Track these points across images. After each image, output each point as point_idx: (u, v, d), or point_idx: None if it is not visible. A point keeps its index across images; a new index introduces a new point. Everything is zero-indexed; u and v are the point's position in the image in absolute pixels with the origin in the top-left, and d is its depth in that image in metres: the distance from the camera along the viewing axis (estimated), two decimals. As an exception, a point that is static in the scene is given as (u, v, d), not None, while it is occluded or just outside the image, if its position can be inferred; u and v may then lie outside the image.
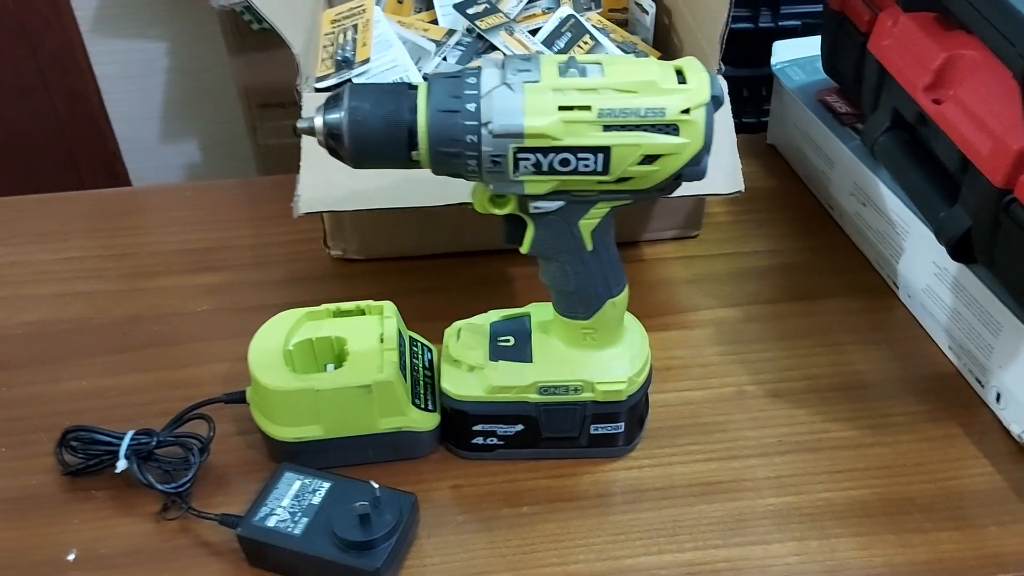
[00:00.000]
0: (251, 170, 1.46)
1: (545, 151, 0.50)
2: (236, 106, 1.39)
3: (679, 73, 0.51)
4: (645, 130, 0.50)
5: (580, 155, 0.50)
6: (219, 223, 0.85)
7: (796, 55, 0.89)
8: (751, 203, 0.84)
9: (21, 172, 1.53)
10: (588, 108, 0.49)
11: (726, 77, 0.71)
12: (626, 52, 0.82)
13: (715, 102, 0.50)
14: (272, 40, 1.26)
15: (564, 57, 0.51)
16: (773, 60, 0.89)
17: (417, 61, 0.79)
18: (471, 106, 0.49)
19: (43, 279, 0.79)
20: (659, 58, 0.83)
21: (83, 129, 1.52)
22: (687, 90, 0.50)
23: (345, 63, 0.78)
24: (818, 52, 0.85)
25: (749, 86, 1.10)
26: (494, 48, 0.80)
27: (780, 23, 1.07)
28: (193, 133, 1.56)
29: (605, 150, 0.50)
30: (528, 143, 0.49)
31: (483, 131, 0.49)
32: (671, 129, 0.50)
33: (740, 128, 0.72)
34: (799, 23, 1.06)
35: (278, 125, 1.37)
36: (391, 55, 0.78)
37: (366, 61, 0.77)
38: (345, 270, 0.80)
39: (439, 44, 0.81)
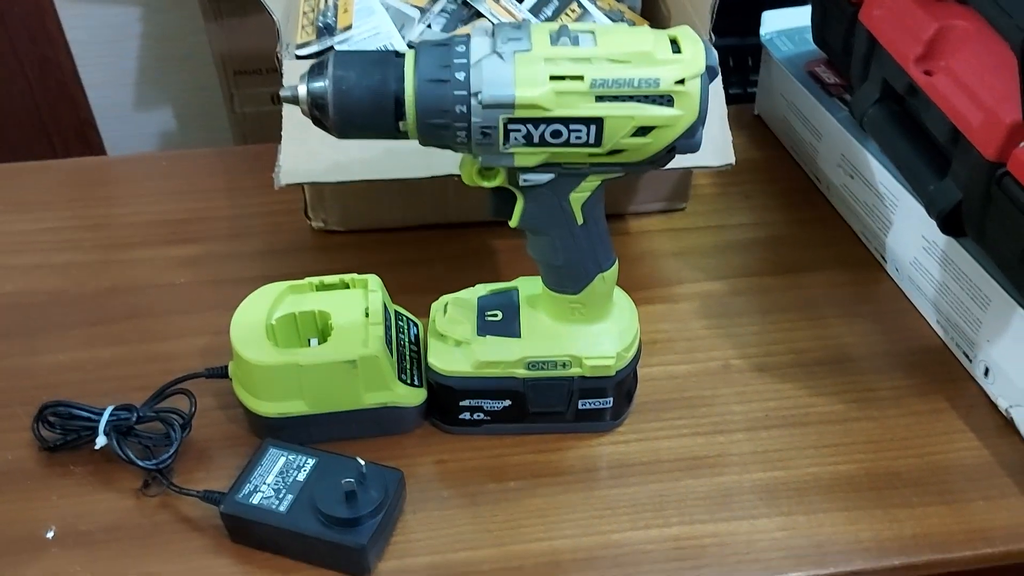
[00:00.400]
0: (227, 138, 1.43)
1: (536, 122, 0.49)
2: (212, 73, 1.36)
3: (673, 42, 0.50)
4: (639, 101, 0.48)
5: (572, 126, 0.49)
6: (196, 193, 0.83)
7: (785, 25, 0.88)
8: (738, 175, 0.83)
9: (-9, 140, 1.50)
10: (580, 78, 0.48)
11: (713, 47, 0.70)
12: (614, 20, 0.80)
13: (710, 72, 0.49)
14: (249, 5, 1.24)
15: (556, 25, 0.50)
16: (762, 30, 0.88)
17: (400, 28, 0.77)
18: (460, 75, 0.48)
19: (18, 250, 0.77)
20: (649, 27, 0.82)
21: (55, 96, 1.48)
22: (682, 60, 0.49)
23: (327, 30, 0.76)
24: (807, 23, 0.83)
25: (735, 55, 1.09)
26: (479, 15, 0.79)
27: (768, -8, 1.05)
28: (168, 100, 1.53)
29: (598, 121, 0.49)
30: (519, 114, 0.48)
31: (472, 101, 0.48)
32: (665, 100, 0.49)
33: (726, 99, 0.71)
34: (787, -8, 1.05)
35: (255, 92, 1.34)
36: (373, 22, 0.76)
37: (348, 28, 0.75)
38: (326, 242, 0.78)
39: (423, 11, 0.79)
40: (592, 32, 0.50)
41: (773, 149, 0.88)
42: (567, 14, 0.79)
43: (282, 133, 0.67)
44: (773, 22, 0.89)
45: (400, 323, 0.64)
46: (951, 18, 0.64)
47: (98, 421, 0.59)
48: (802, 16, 0.85)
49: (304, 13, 0.78)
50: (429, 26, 0.79)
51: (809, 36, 0.84)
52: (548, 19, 0.79)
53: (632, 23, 0.82)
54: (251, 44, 1.29)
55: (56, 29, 1.43)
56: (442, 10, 0.80)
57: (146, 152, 1.51)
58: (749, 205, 0.82)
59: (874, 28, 0.70)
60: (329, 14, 0.77)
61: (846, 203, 0.78)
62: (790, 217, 0.81)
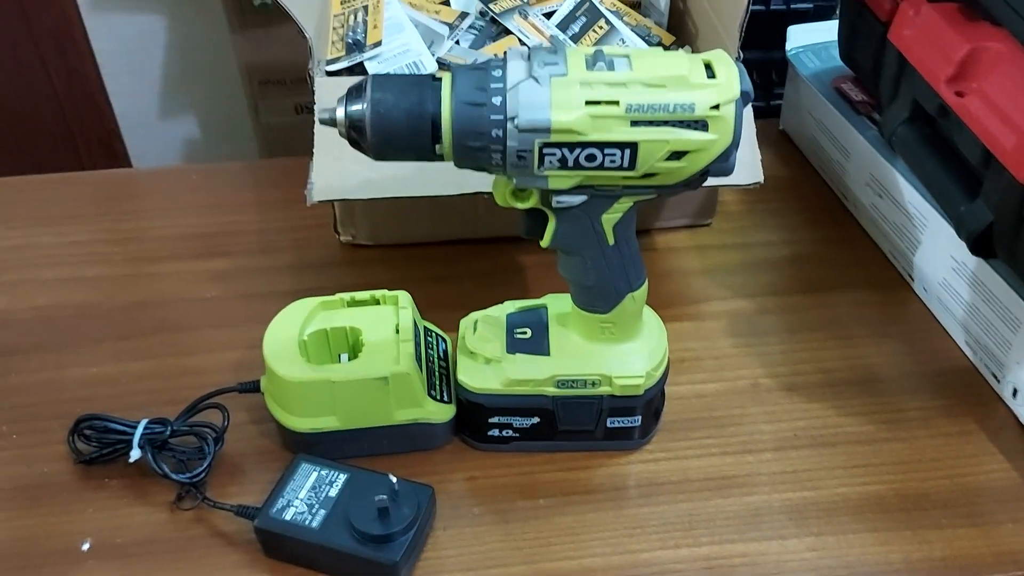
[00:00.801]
0: (252, 148, 1.44)
1: (571, 146, 0.49)
2: (237, 83, 1.37)
3: (708, 67, 0.50)
4: (673, 126, 0.49)
5: (607, 150, 0.49)
6: (225, 207, 0.84)
7: (811, 40, 0.88)
8: (764, 192, 0.83)
9: (19, 150, 1.51)
10: (616, 103, 0.48)
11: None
12: (640, 36, 0.81)
13: (744, 98, 0.49)
14: (274, 16, 1.25)
15: (591, 49, 0.50)
16: (788, 45, 0.88)
17: (430, 45, 0.77)
18: (497, 99, 0.49)
19: (48, 263, 0.78)
20: (673, 42, 0.82)
21: (81, 106, 1.49)
22: (717, 85, 0.49)
23: (356, 46, 0.76)
24: (833, 37, 0.84)
25: (759, 69, 1.09)
26: (508, 32, 0.79)
27: (792, 5, 1.05)
28: (193, 110, 1.54)
29: (632, 146, 0.49)
30: (554, 138, 0.49)
31: (509, 125, 0.49)
32: (700, 125, 0.49)
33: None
34: (811, 6, 1.05)
35: (279, 103, 1.35)
36: (403, 38, 0.77)
37: (377, 44, 0.76)
38: (355, 256, 0.79)
39: (452, 27, 0.80)
40: (627, 56, 0.50)
41: (799, 166, 0.88)
42: (595, 30, 0.80)
43: (314, 150, 0.67)
44: (799, 37, 0.89)
45: (430, 339, 0.65)
46: (983, 39, 0.64)
47: (132, 434, 0.60)
48: (828, 31, 0.85)
49: (334, 29, 0.79)
50: (457, 42, 0.80)
51: (835, 51, 0.84)
52: (575, 35, 0.80)
53: (659, 38, 0.83)
54: (276, 55, 1.30)
55: (82, 39, 1.45)
56: (470, 26, 0.80)
57: (175, 165, 1.52)
58: (775, 223, 0.82)
59: (904, 48, 0.70)
60: (359, 30, 0.77)
61: (874, 222, 0.78)
62: (817, 235, 0.81)
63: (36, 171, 0.96)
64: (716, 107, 0.49)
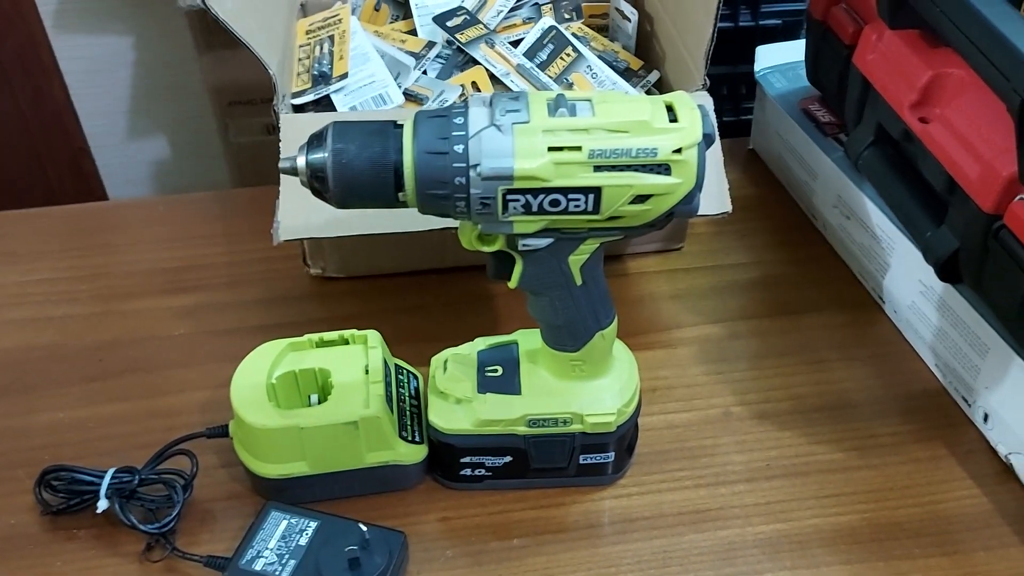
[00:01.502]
0: (221, 166, 1.43)
1: (535, 192, 0.49)
2: (206, 103, 1.36)
3: (670, 110, 0.50)
4: (636, 170, 0.49)
5: (571, 196, 0.49)
6: (193, 240, 0.83)
7: (779, 60, 0.88)
8: (734, 213, 0.82)
9: (-14, 172, 1.49)
10: (579, 149, 0.48)
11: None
12: (607, 61, 0.81)
13: (707, 140, 0.49)
14: (242, 37, 1.24)
15: (553, 94, 0.50)
16: (756, 66, 0.88)
17: (396, 75, 0.77)
18: (459, 147, 0.48)
19: (14, 303, 0.77)
20: (640, 67, 0.82)
21: (49, 126, 1.47)
22: (679, 129, 0.49)
23: (322, 78, 0.76)
24: (801, 58, 0.84)
25: (728, 84, 1.09)
26: (475, 62, 0.79)
27: (760, 22, 1.06)
28: (162, 129, 1.53)
29: (596, 191, 0.49)
30: (518, 184, 0.48)
31: (471, 173, 0.48)
32: (663, 169, 0.49)
33: (720, 129, 0.70)
34: (780, 22, 1.05)
35: (249, 122, 1.34)
36: (369, 69, 0.77)
37: (344, 76, 0.76)
38: (324, 289, 0.78)
39: (418, 57, 0.79)
40: (590, 101, 0.50)
41: (768, 186, 0.88)
42: (562, 58, 0.79)
43: (280, 188, 0.66)
44: (767, 57, 0.89)
45: (400, 377, 0.64)
46: (946, 65, 0.64)
47: (99, 484, 0.59)
48: (796, 51, 0.85)
49: (299, 60, 0.78)
50: (424, 72, 0.79)
51: (803, 72, 0.84)
52: (543, 63, 0.79)
53: (626, 63, 0.82)
54: (244, 75, 1.29)
55: (49, 59, 1.43)
56: (437, 56, 0.80)
57: (141, 197, 1.51)
58: (745, 244, 0.82)
59: (868, 72, 0.70)
60: (324, 62, 0.77)
61: (843, 243, 0.79)
62: (787, 256, 0.81)
63: (4, 193, 0.94)
64: (679, 151, 0.49)
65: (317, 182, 0.50)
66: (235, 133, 1.34)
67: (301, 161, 0.50)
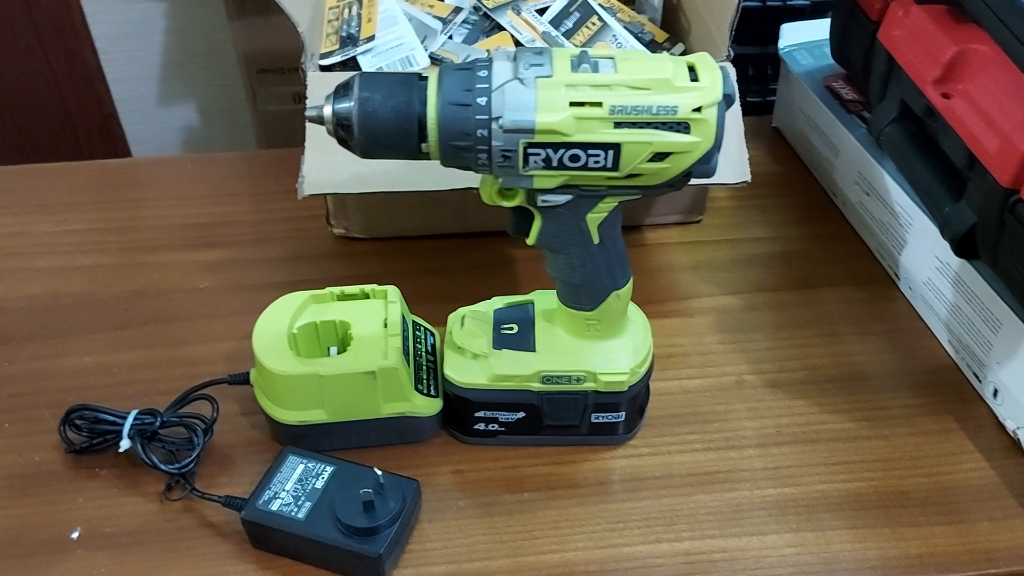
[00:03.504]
0: (249, 135, 1.45)
1: (556, 147, 0.50)
2: (235, 70, 1.37)
3: (691, 70, 0.50)
4: (656, 128, 0.49)
5: (590, 151, 0.50)
6: (220, 197, 0.84)
7: (804, 39, 0.89)
8: (755, 188, 0.83)
9: (18, 132, 1.52)
10: (600, 105, 0.49)
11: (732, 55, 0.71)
12: (633, 33, 0.81)
13: (727, 100, 0.50)
14: (272, 5, 1.25)
15: (577, 51, 0.51)
16: (781, 43, 0.89)
17: (423, 39, 0.78)
18: (482, 100, 0.49)
19: (45, 251, 0.79)
20: (666, 39, 0.82)
21: (80, 89, 1.50)
22: (699, 88, 0.49)
23: (350, 39, 0.77)
24: (826, 36, 0.84)
25: (755, 64, 1.09)
26: (501, 28, 0.80)
27: (788, 2, 1.06)
28: (191, 96, 1.55)
29: (615, 147, 0.50)
30: (539, 139, 0.49)
31: (494, 125, 0.49)
32: (682, 127, 0.49)
33: (745, 108, 0.72)
34: (808, 2, 1.05)
35: (278, 91, 1.35)
36: (396, 32, 0.78)
37: (371, 38, 0.77)
38: (347, 249, 0.80)
39: (445, 22, 0.80)
40: (612, 58, 0.50)
41: (790, 163, 0.89)
42: (588, 27, 0.80)
43: (305, 144, 0.68)
44: (792, 35, 0.89)
45: (418, 333, 0.66)
46: (971, 41, 0.64)
47: (122, 425, 0.60)
48: (821, 29, 0.86)
49: (328, 22, 0.79)
50: (451, 37, 0.80)
51: (828, 50, 0.84)
52: (568, 31, 0.80)
53: (652, 35, 0.83)
54: (275, 43, 1.30)
55: (81, 24, 1.45)
56: (464, 21, 0.81)
57: (171, 155, 1.52)
58: (765, 219, 0.83)
59: (893, 48, 0.71)
60: (353, 24, 0.78)
61: (861, 220, 0.79)
62: (806, 232, 0.81)
63: (35, 154, 0.96)
64: (698, 109, 0.49)
65: (343, 130, 0.51)
66: (264, 101, 1.36)
67: (328, 110, 0.51)
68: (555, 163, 0.50)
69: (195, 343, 0.71)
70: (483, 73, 0.50)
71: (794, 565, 0.57)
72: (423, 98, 0.50)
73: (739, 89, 0.71)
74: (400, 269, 0.77)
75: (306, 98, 0.68)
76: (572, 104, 0.49)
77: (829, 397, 0.67)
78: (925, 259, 0.70)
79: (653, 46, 0.82)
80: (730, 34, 0.71)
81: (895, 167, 0.73)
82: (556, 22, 0.80)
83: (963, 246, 0.64)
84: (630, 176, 0.51)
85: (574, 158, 0.50)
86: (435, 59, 0.77)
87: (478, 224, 0.78)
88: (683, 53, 0.82)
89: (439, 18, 0.80)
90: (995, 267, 0.62)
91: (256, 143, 1.43)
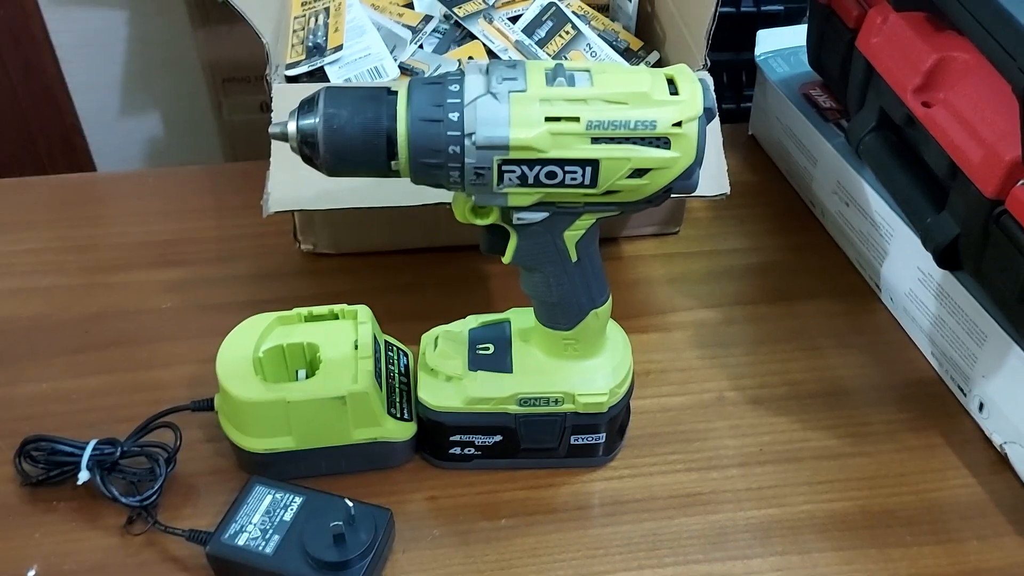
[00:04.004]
0: (215, 144, 1.42)
1: (531, 163, 0.48)
2: (199, 79, 1.34)
3: (671, 83, 0.49)
4: (635, 143, 0.48)
5: (567, 168, 0.48)
6: (183, 213, 0.82)
7: (780, 45, 0.87)
8: (732, 198, 0.80)
9: (-25, 145, 1.48)
10: (576, 119, 0.47)
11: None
12: (608, 41, 0.80)
13: (708, 114, 0.48)
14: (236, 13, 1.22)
15: (551, 64, 0.49)
16: (757, 50, 0.87)
17: (392, 49, 0.76)
18: (454, 115, 0.47)
19: (0, 272, 0.76)
20: (641, 47, 0.81)
21: (40, 101, 1.46)
22: (679, 102, 0.48)
23: (316, 49, 0.75)
24: (802, 42, 0.83)
25: (729, 71, 1.08)
26: (472, 36, 0.78)
27: (762, 8, 1.04)
28: (155, 106, 1.51)
29: (593, 163, 0.48)
30: (513, 155, 0.47)
31: (466, 142, 0.47)
32: (662, 142, 0.48)
33: (720, 116, 0.70)
34: (782, 8, 1.04)
35: (243, 100, 1.33)
36: (365, 42, 0.75)
37: (339, 48, 0.74)
38: (315, 265, 0.77)
39: (415, 31, 0.78)
40: (588, 71, 0.49)
41: (767, 172, 0.87)
42: (561, 35, 0.78)
43: (271, 159, 0.65)
44: (768, 42, 0.88)
45: (390, 354, 0.63)
46: (951, 49, 0.63)
47: (81, 456, 0.58)
48: (797, 36, 0.84)
49: (294, 31, 0.77)
50: (421, 46, 0.78)
51: (804, 56, 0.83)
52: (541, 40, 0.78)
53: (626, 43, 0.81)
54: (239, 51, 1.27)
55: (41, 32, 1.41)
56: (434, 30, 0.79)
57: (132, 170, 1.49)
58: (743, 230, 0.81)
59: (872, 56, 0.69)
60: (319, 33, 0.76)
61: (841, 230, 0.78)
62: (784, 243, 0.80)
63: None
64: (678, 124, 0.47)
65: (307, 148, 0.49)
66: (229, 111, 1.33)
67: (292, 126, 0.49)
68: (531, 180, 0.48)
69: (157, 367, 0.68)
70: (455, 87, 0.48)
71: (780, 590, 0.56)
72: (392, 113, 0.48)
73: (713, 87, 0.70)
74: (370, 286, 0.75)
75: (271, 110, 0.65)
76: (547, 119, 0.47)
77: (811, 413, 0.66)
78: (907, 270, 0.69)
79: (628, 54, 0.80)
80: (707, 43, 0.70)
81: (875, 177, 0.72)
82: (529, 31, 0.78)
83: (946, 257, 0.63)
84: (608, 193, 0.49)
85: (550, 175, 0.48)
86: (405, 69, 0.75)
87: (449, 239, 0.76)
88: (658, 62, 0.81)
89: (408, 27, 0.78)
90: (980, 279, 0.61)
91: (222, 153, 1.40)
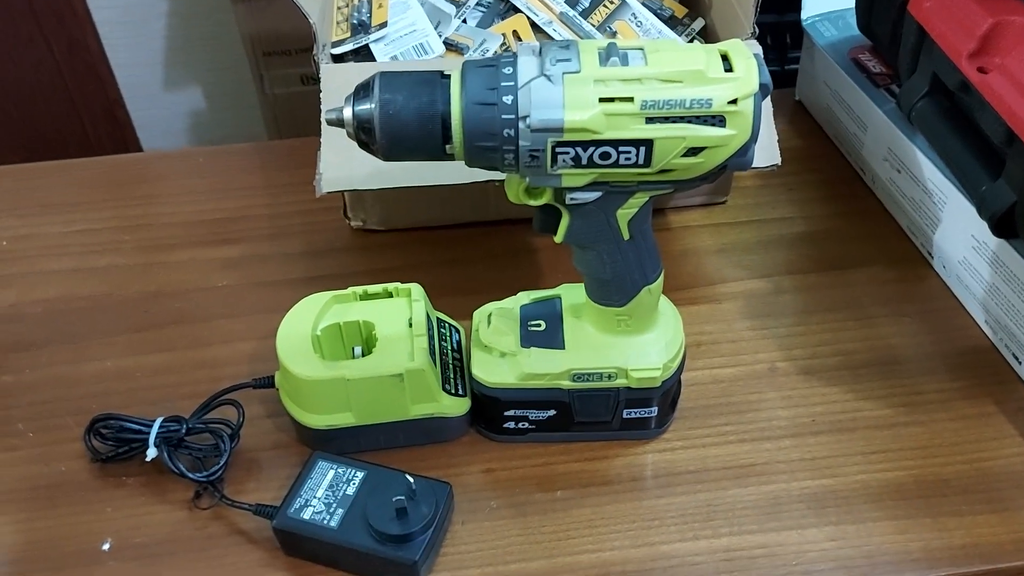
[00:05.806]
0: (257, 117, 1.43)
1: (585, 145, 0.48)
2: (240, 53, 1.35)
3: (725, 59, 0.48)
4: (690, 122, 0.47)
5: (621, 148, 0.48)
6: (234, 191, 0.83)
7: (827, 8, 0.86)
8: (780, 166, 0.82)
9: (23, 123, 1.50)
10: (631, 100, 0.47)
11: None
12: (652, 9, 0.79)
13: (763, 90, 0.48)
14: (277, -15, 1.22)
15: (604, 43, 0.49)
16: (803, 14, 0.86)
17: (436, 24, 0.76)
18: (508, 98, 0.47)
19: (56, 253, 0.78)
20: (685, 15, 0.80)
21: (83, 77, 1.48)
22: (734, 79, 0.47)
23: (361, 27, 0.75)
24: (850, 5, 0.81)
25: (773, 33, 1.07)
26: (516, 9, 0.77)
27: (806, -31, 1.03)
28: (197, 80, 1.52)
29: (648, 143, 0.48)
30: (568, 137, 0.47)
31: (520, 125, 0.47)
32: (717, 120, 0.48)
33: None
34: (827, -31, 1.02)
35: (285, 73, 1.33)
36: (409, 18, 0.75)
37: (383, 25, 0.74)
38: (365, 241, 0.78)
39: (459, 5, 0.78)
40: (642, 50, 0.48)
41: (815, 137, 0.87)
42: (605, 5, 0.78)
43: (321, 139, 0.66)
44: (815, 5, 0.87)
45: (443, 331, 0.64)
46: (1007, 13, 0.62)
47: (148, 433, 0.60)
48: (845, -1, 0.83)
49: (339, 9, 0.77)
50: (465, 21, 0.78)
51: (852, 20, 0.82)
52: (585, 10, 0.78)
53: (671, 11, 0.81)
54: (280, 25, 1.28)
55: (83, 10, 1.43)
56: (478, 4, 0.78)
57: (180, 148, 1.50)
58: (791, 198, 0.81)
59: (924, 20, 0.68)
60: (363, 10, 0.76)
61: (892, 197, 0.77)
62: (834, 210, 0.80)
63: (40, 144, 0.93)
64: (734, 102, 0.47)
65: (364, 134, 0.49)
66: (271, 84, 1.34)
67: (348, 113, 0.49)
68: (585, 161, 0.49)
69: (216, 344, 0.70)
70: (508, 70, 0.48)
71: (835, 560, 0.56)
72: (446, 97, 0.48)
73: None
74: (420, 261, 0.76)
75: (319, 88, 0.66)
76: (601, 100, 0.47)
77: (864, 383, 0.66)
78: (960, 238, 0.68)
79: (672, 22, 0.79)
80: (755, 10, 0.69)
81: (927, 143, 0.71)
82: (573, 1, 0.78)
83: (1002, 226, 0.62)
84: (662, 171, 0.49)
85: (604, 156, 0.48)
86: (450, 44, 0.75)
87: (499, 212, 0.77)
88: (703, 28, 0.80)
89: (452, 2, 0.78)
90: (1036, 248, 0.60)
91: (264, 126, 1.41)
